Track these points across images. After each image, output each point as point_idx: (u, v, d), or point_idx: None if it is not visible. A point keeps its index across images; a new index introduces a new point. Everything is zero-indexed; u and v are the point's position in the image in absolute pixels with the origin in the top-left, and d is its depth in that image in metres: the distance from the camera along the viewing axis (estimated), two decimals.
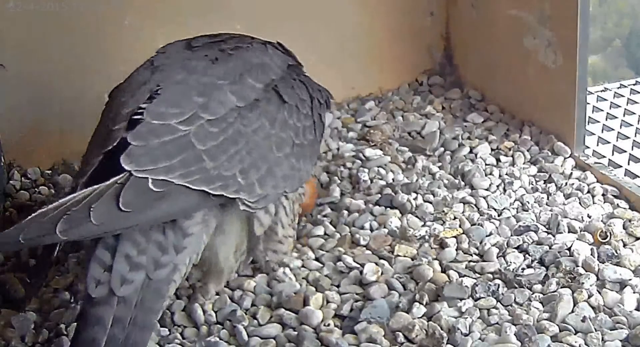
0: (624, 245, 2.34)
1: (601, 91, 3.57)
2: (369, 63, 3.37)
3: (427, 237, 2.43)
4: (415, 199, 2.61)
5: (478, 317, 2.11)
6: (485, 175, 2.74)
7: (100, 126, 2.15)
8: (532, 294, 2.17)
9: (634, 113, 3.39)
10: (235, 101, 2.07)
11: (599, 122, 3.33)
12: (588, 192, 2.61)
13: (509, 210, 2.55)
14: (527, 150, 2.86)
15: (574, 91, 2.70)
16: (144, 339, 1.85)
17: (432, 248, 2.39)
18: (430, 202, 2.60)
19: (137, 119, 1.97)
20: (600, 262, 2.25)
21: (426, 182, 2.71)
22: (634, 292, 2.16)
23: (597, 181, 2.66)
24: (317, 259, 2.41)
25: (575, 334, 2.02)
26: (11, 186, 2.86)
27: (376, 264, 2.31)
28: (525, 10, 2.88)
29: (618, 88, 3.60)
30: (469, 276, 2.24)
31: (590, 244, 2.34)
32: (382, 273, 2.28)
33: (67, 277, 2.35)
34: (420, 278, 2.25)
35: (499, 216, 2.53)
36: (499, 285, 2.18)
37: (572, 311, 2.10)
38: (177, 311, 2.21)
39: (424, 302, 2.15)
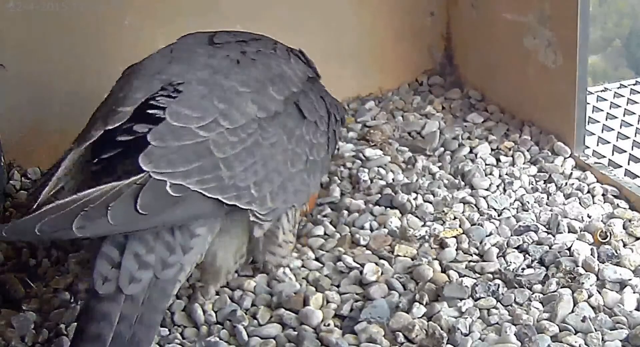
0: (624, 245, 2.34)
1: (601, 91, 3.57)
2: (369, 63, 3.37)
3: (427, 237, 2.43)
4: (415, 199, 2.61)
5: (478, 317, 2.11)
6: (485, 175, 2.74)
7: (109, 100, 2.16)
8: (532, 294, 2.17)
9: (634, 113, 3.39)
10: (255, 111, 2.08)
11: (599, 122, 3.33)
12: (588, 192, 2.61)
13: (509, 210, 2.55)
14: (527, 150, 2.86)
15: (574, 91, 2.70)
16: (149, 337, 1.86)
17: (432, 248, 2.39)
18: (430, 202, 2.60)
19: (151, 114, 1.97)
20: (600, 262, 2.25)
21: (426, 182, 2.71)
22: (634, 292, 2.16)
23: (597, 181, 2.66)
24: (317, 259, 2.41)
25: (575, 334, 2.02)
26: (11, 186, 2.86)
27: (376, 264, 2.31)
28: (525, 10, 2.88)
29: (618, 88, 3.60)
30: (469, 276, 2.24)
31: (590, 244, 2.34)
32: (382, 273, 2.28)
33: (67, 277, 2.35)
34: (420, 278, 2.24)
35: (499, 216, 2.53)
36: (499, 285, 2.18)
37: (572, 311, 2.10)
38: (177, 311, 2.21)
39: (424, 302, 2.15)
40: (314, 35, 3.14)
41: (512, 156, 2.84)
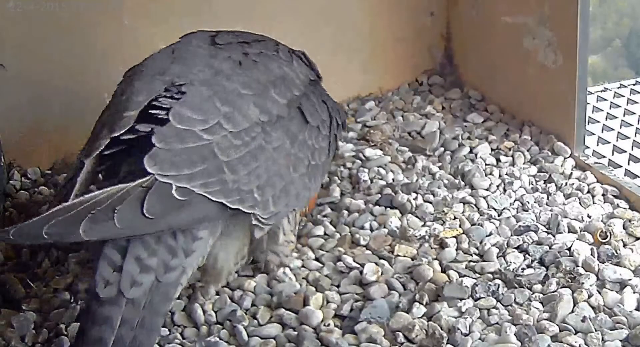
0: (624, 245, 2.34)
1: (601, 91, 3.57)
2: (369, 63, 3.37)
3: (427, 237, 2.42)
4: (415, 199, 2.61)
5: (478, 317, 2.11)
6: (485, 175, 2.74)
7: (111, 107, 2.15)
8: (532, 294, 2.17)
9: (634, 113, 3.39)
10: (258, 114, 2.08)
11: (599, 122, 3.33)
12: (588, 192, 2.61)
13: (509, 210, 2.55)
14: (527, 150, 2.86)
15: (574, 91, 2.70)
16: (150, 340, 1.86)
17: (432, 248, 2.39)
18: (430, 202, 2.60)
19: (154, 114, 1.97)
20: (600, 262, 2.25)
21: (426, 182, 2.71)
22: (634, 292, 2.16)
23: (597, 181, 2.66)
24: (317, 259, 2.41)
25: (575, 334, 2.02)
26: (11, 185, 2.86)
27: (376, 264, 2.31)
28: (525, 10, 2.88)
29: (618, 88, 3.60)
30: (469, 276, 2.24)
31: (590, 244, 2.34)
32: (382, 273, 2.28)
33: (67, 277, 2.35)
34: (420, 278, 2.24)
35: (499, 216, 2.53)
36: (499, 285, 2.18)
37: (572, 311, 2.10)
38: (177, 311, 2.21)
39: (424, 302, 2.15)
40: (313, 35, 3.14)
41: (512, 156, 2.84)
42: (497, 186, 2.67)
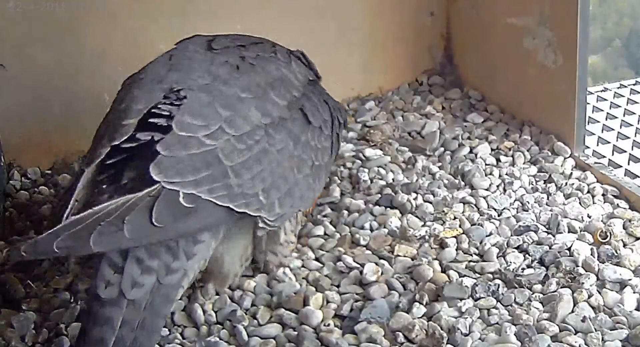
0: (624, 245, 2.34)
1: (601, 91, 3.57)
2: (369, 63, 3.37)
3: (427, 237, 2.42)
4: (415, 199, 2.61)
5: (478, 317, 2.11)
6: (485, 175, 2.74)
7: (111, 115, 2.16)
8: (532, 294, 2.17)
9: (634, 113, 3.39)
10: (259, 117, 2.09)
11: (599, 122, 3.33)
12: (588, 192, 2.61)
13: (509, 210, 2.55)
14: (527, 150, 2.86)
15: (574, 91, 2.70)
16: (151, 342, 1.87)
17: (432, 248, 2.39)
18: (430, 202, 2.59)
19: (154, 122, 1.98)
20: (600, 262, 2.25)
21: (426, 182, 2.71)
22: (634, 292, 2.15)
23: (597, 181, 2.66)
24: (317, 259, 2.41)
25: (575, 334, 2.02)
26: (11, 186, 2.86)
27: (376, 264, 2.31)
28: (525, 10, 2.88)
29: (618, 88, 3.60)
30: (469, 276, 2.24)
31: (590, 244, 2.34)
32: (382, 273, 2.28)
33: (67, 277, 2.35)
34: (420, 278, 2.24)
35: (499, 216, 2.53)
36: (499, 285, 2.18)
37: (572, 311, 2.10)
38: (177, 311, 2.21)
39: (424, 302, 2.15)
40: (313, 35, 3.14)
41: (512, 156, 2.84)
42: (497, 186, 2.67)
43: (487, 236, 2.42)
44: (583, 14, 2.61)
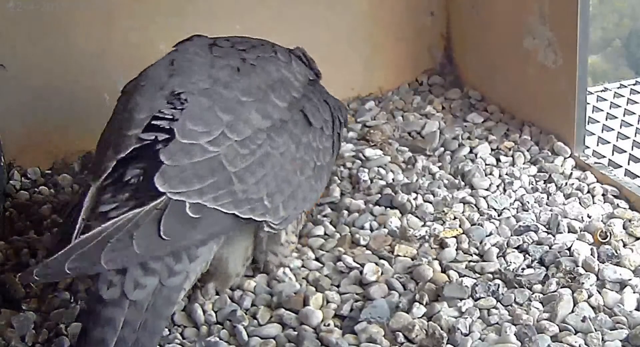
0: (624, 245, 2.34)
1: (601, 91, 3.57)
2: (369, 63, 3.38)
3: (427, 237, 2.42)
4: (415, 199, 2.61)
5: (478, 317, 2.11)
6: (485, 175, 2.74)
7: (113, 125, 2.15)
8: (532, 294, 2.17)
9: (634, 113, 3.39)
10: (260, 120, 2.09)
11: (599, 122, 3.33)
12: (588, 192, 2.61)
13: (509, 210, 2.55)
14: (527, 150, 2.86)
15: (574, 91, 2.70)
16: (152, 343, 1.87)
17: (432, 248, 2.39)
18: (430, 202, 2.59)
19: (157, 124, 1.98)
20: (600, 262, 2.25)
21: (426, 182, 2.71)
22: (634, 292, 2.15)
23: (597, 181, 2.66)
24: (317, 259, 2.41)
25: (575, 334, 2.02)
26: (11, 186, 2.86)
27: (376, 264, 2.31)
28: (525, 10, 2.88)
29: (618, 88, 3.59)
30: (469, 276, 2.24)
31: (590, 244, 2.34)
32: (382, 273, 2.28)
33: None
34: (420, 278, 2.24)
35: (499, 216, 2.53)
36: (499, 285, 2.18)
37: (572, 311, 2.10)
38: (177, 311, 2.21)
39: (424, 302, 2.15)
40: (313, 35, 3.14)
41: (512, 156, 2.84)
42: (497, 186, 2.67)
43: (487, 236, 2.42)
44: (583, 13, 2.61)
